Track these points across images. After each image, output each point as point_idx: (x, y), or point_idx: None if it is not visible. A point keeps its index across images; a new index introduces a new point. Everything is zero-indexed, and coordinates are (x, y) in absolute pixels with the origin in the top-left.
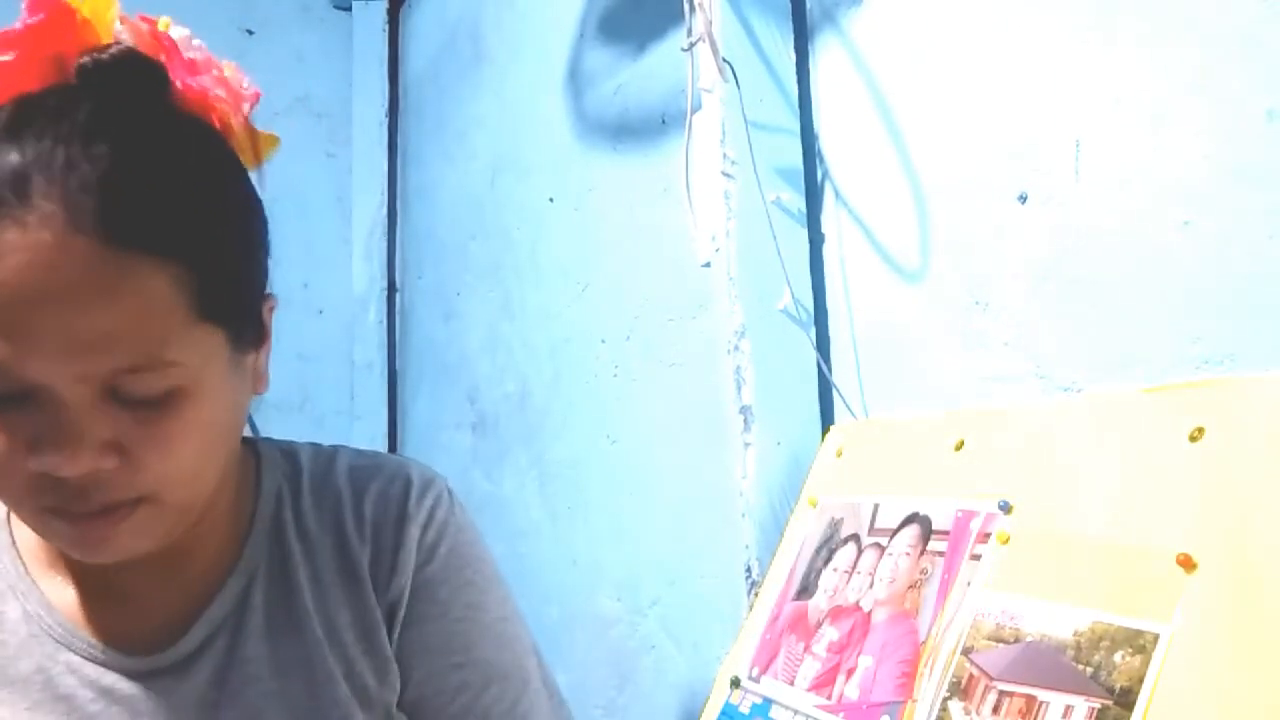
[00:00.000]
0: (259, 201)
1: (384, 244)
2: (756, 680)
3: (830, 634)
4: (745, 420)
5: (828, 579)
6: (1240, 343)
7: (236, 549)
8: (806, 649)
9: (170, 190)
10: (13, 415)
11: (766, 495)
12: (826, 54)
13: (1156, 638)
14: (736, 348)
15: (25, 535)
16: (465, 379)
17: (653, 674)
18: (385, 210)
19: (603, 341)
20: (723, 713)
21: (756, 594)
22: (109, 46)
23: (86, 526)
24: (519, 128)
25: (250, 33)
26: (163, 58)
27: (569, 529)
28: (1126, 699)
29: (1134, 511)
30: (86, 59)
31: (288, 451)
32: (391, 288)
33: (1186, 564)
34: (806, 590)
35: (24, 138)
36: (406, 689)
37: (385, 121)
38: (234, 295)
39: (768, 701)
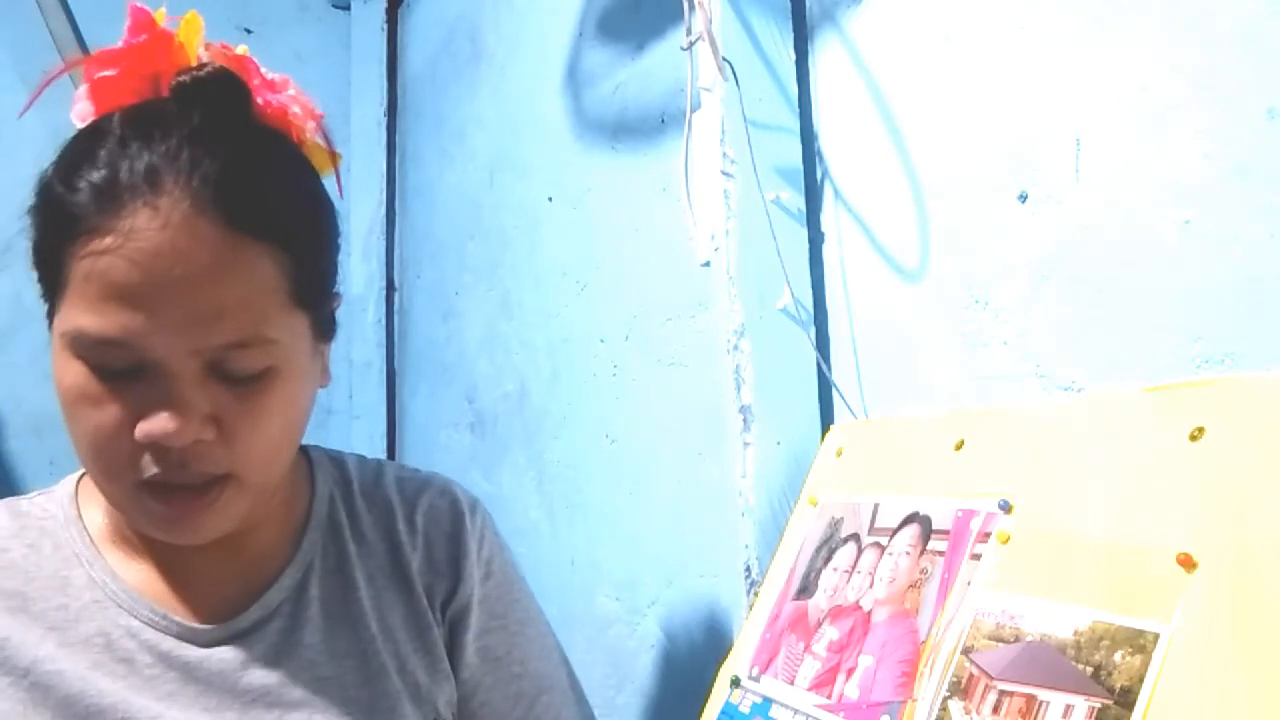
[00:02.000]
0: (333, 205)
1: (382, 243)
2: (756, 680)
3: (830, 633)
4: (745, 420)
5: (828, 578)
6: (1240, 342)
7: (294, 542)
8: (806, 648)
9: (276, 186)
10: (124, 388)
11: (766, 495)
12: (826, 53)
13: (1156, 637)
14: (736, 347)
15: (92, 512)
16: (464, 378)
17: (652, 674)
18: (384, 209)
19: (601, 341)
20: (723, 712)
21: (756, 594)
22: (203, 66)
23: (180, 506)
24: (518, 127)
25: (248, 31)
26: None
27: (568, 528)
28: (1126, 699)
29: (1134, 511)
30: (185, 77)
31: (335, 459)
32: (390, 287)
33: (1186, 564)
34: (806, 590)
35: (152, 139)
36: (476, 694)
37: (384, 121)
38: (320, 285)
39: (768, 701)
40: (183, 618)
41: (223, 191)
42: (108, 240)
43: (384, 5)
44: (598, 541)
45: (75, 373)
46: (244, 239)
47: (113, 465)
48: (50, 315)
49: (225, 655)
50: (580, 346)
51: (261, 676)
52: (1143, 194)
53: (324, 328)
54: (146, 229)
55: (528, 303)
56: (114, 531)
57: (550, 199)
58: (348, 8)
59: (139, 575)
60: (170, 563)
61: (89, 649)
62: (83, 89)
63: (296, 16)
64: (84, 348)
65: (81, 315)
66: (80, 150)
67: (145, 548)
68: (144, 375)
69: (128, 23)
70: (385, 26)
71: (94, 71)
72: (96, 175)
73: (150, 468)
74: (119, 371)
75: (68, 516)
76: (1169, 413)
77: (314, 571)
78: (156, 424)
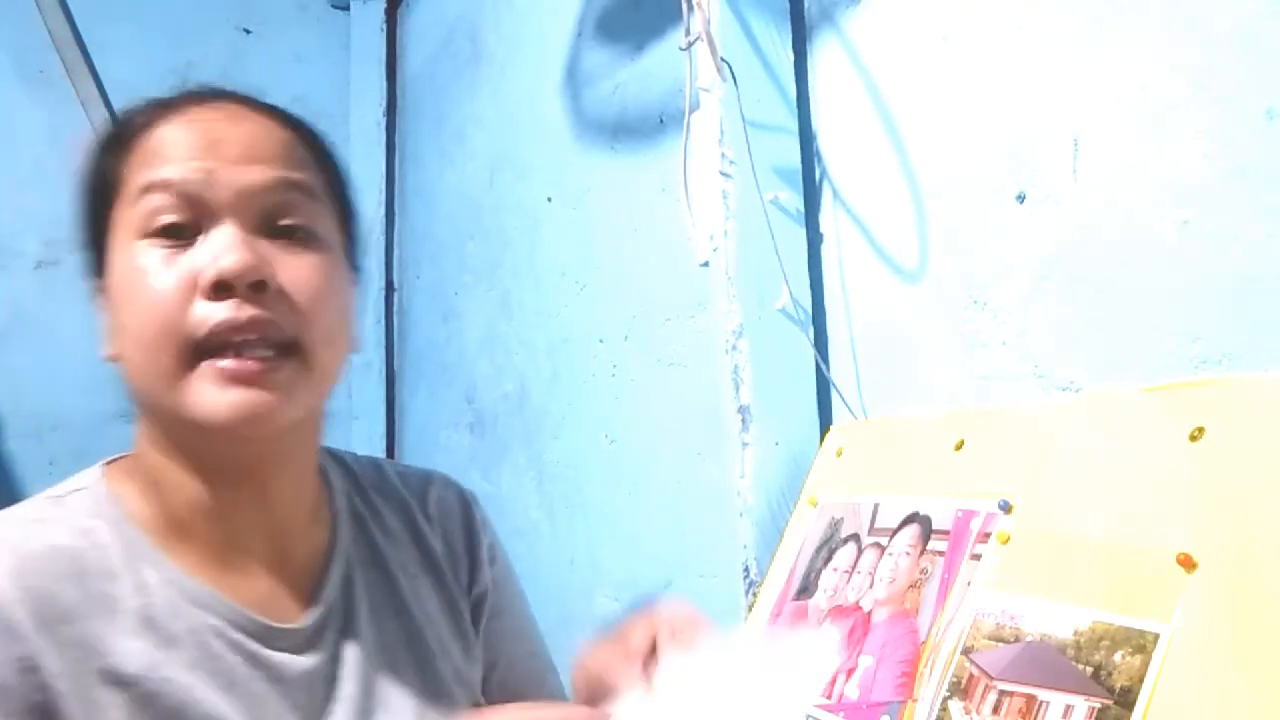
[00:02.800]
0: None
1: (382, 243)
2: None
3: (830, 634)
4: (743, 420)
5: (828, 579)
6: (1239, 342)
7: (329, 536)
8: None
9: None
10: (181, 256)
11: (765, 495)
12: (825, 53)
13: (1156, 638)
14: (735, 347)
15: (138, 508)
16: (463, 378)
17: None
18: (383, 210)
19: (601, 341)
20: None
21: (755, 594)
22: None
23: (245, 374)
24: (517, 127)
25: (248, 32)
26: None
27: (567, 529)
28: (1126, 699)
29: (1134, 511)
30: None
31: (334, 455)
32: (390, 287)
33: (1186, 564)
34: (806, 590)
35: (194, 89)
36: (495, 669)
37: (383, 121)
38: (347, 203)
39: None
40: (257, 615)
41: (268, 105)
42: (167, 120)
43: (383, 5)
44: (597, 541)
45: (136, 253)
46: (289, 130)
47: (173, 326)
48: (101, 247)
49: (307, 659)
50: (580, 347)
51: (330, 676)
52: (1141, 194)
53: (351, 261)
54: (205, 110)
55: (527, 303)
56: (167, 526)
57: (550, 199)
58: (347, 8)
59: (204, 573)
60: (226, 557)
61: (183, 648)
62: None
63: (296, 17)
64: (147, 209)
65: (145, 174)
66: (128, 108)
67: (201, 541)
68: (201, 237)
69: None
70: (385, 27)
71: None
72: (154, 100)
73: (217, 314)
74: (180, 236)
75: (115, 516)
76: (1169, 413)
77: (354, 565)
78: (225, 257)
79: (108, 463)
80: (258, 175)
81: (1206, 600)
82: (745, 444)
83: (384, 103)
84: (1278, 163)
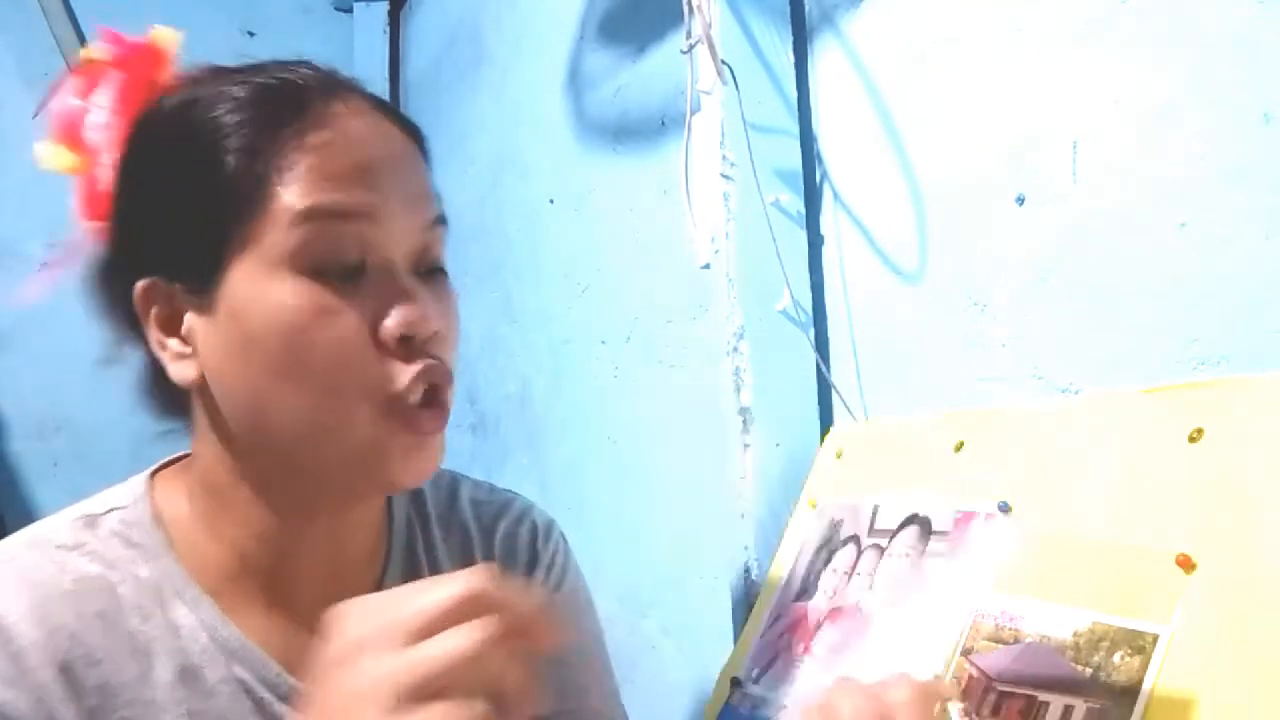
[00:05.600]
0: None
1: None
2: (757, 681)
3: (830, 635)
4: (744, 421)
5: (827, 580)
6: (1236, 343)
7: (378, 578)
8: (806, 650)
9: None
10: (352, 294)
11: (766, 496)
12: (825, 56)
13: (1156, 638)
14: (736, 349)
15: (184, 533)
16: (465, 380)
17: (653, 674)
18: None
19: (603, 343)
20: (723, 713)
21: (756, 595)
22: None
23: (434, 442)
24: (519, 129)
25: (251, 34)
26: None
27: (569, 530)
28: (1126, 700)
29: (1134, 511)
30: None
31: None
32: None
33: (1186, 564)
34: (806, 591)
35: (299, 69)
36: None
37: None
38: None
39: (769, 702)
40: (290, 675)
41: (385, 105)
42: (316, 126)
43: (386, 8)
44: (599, 543)
45: (297, 289)
46: (417, 145)
47: (362, 382)
48: (211, 254)
49: None
50: (581, 348)
51: None
52: (1140, 196)
53: None
54: (347, 117)
55: (529, 304)
56: (217, 558)
57: (552, 201)
58: (350, 10)
59: (244, 616)
60: (274, 599)
61: (215, 698)
62: (106, 90)
63: (299, 19)
64: (309, 239)
65: (306, 196)
66: (227, 86)
67: (250, 579)
68: (366, 277)
69: (102, 40)
70: (388, 29)
71: (100, 73)
72: (277, 85)
73: (406, 372)
74: (343, 276)
75: (154, 545)
76: (1167, 414)
77: None
78: (408, 309)
79: (154, 473)
80: (420, 215)
81: (1206, 601)
82: (746, 445)
83: None
84: (1275, 165)
